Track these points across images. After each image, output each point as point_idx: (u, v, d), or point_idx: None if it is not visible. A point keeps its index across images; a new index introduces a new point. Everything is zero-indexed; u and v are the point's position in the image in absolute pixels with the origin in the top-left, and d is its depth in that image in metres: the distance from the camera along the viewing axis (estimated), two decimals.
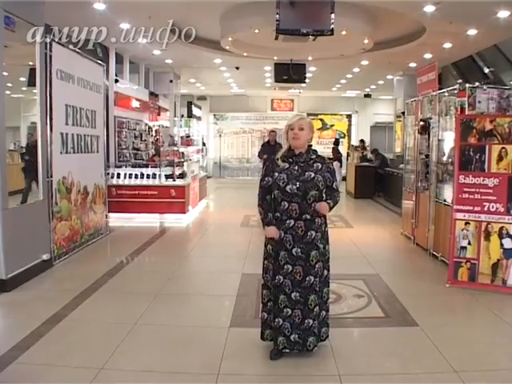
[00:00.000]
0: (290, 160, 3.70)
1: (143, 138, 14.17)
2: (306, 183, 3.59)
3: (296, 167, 3.67)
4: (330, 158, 12.67)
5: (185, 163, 10.69)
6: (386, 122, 20.31)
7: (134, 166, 10.81)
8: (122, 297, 5.28)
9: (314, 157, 3.72)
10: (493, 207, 5.49)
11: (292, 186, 3.59)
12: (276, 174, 3.67)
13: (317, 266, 3.67)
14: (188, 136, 15.83)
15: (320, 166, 3.69)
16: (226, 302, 5.12)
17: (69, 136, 6.91)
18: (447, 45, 11.03)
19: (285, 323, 3.67)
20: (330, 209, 3.69)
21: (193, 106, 19.20)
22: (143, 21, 8.89)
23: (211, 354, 3.81)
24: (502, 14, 8.35)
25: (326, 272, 3.80)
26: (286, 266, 3.65)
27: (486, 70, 13.19)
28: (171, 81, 15.43)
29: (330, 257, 3.84)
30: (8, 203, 5.36)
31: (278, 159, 3.74)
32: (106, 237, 8.33)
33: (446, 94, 6.88)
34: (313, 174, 3.63)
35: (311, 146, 3.81)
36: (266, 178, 3.75)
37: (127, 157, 12.75)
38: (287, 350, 3.71)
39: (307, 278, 3.64)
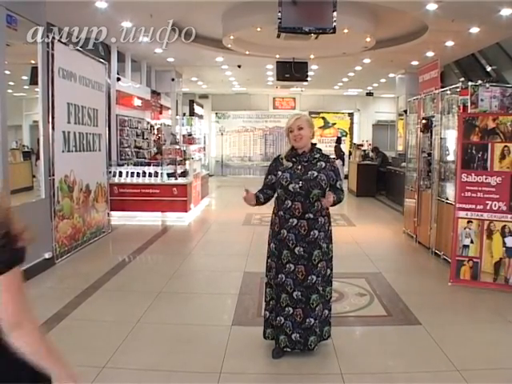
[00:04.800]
0: (294, 159, 3.70)
1: (145, 137, 14.16)
2: (308, 182, 3.59)
3: (299, 166, 3.66)
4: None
5: (187, 161, 10.69)
6: (388, 120, 20.27)
7: (135, 165, 10.81)
8: (124, 295, 5.28)
9: (317, 156, 3.72)
10: (495, 206, 5.47)
11: (295, 185, 3.59)
12: (279, 172, 3.68)
13: (319, 265, 3.67)
14: (190, 134, 15.82)
15: (324, 165, 3.68)
16: (228, 301, 5.12)
17: (71, 134, 6.92)
18: (449, 43, 11.00)
19: (286, 322, 3.67)
20: (333, 204, 3.67)
21: (195, 104, 19.19)
22: (145, 19, 8.88)
23: (213, 353, 3.81)
24: (505, 12, 8.32)
25: (328, 271, 3.79)
26: (288, 265, 3.65)
27: (489, 68, 13.16)
28: (173, 79, 15.41)
29: (332, 256, 3.84)
30: (10, 202, 5.36)
31: (282, 158, 3.75)
32: (108, 235, 8.34)
33: (449, 92, 6.86)
34: (316, 173, 3.62)
35: (315, 144, 3.80)
36: (269, 177, 3.77)
37: (129, 155, 12.75)
38: (289, 350, 3.71)
39: (309, 278, 3.64)
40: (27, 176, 13.22)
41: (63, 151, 6.70)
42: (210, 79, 17.92)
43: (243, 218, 10.13)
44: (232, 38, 10.34)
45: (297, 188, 3.59)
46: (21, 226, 1.49)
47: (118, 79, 11.97)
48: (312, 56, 12.28)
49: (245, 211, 10.71)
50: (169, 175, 10.07)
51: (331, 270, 3.84)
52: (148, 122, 14.58)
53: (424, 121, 7.63)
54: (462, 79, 12.79)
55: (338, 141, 17.92)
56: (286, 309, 3.67)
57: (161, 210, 9.89)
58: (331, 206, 3.67)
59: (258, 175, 20.74)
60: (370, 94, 20.68)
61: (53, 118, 6.35)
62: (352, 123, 23.00)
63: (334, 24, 8.28)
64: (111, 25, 8.99)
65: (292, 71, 12.63)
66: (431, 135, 7.36)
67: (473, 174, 5.60)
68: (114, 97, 11.72)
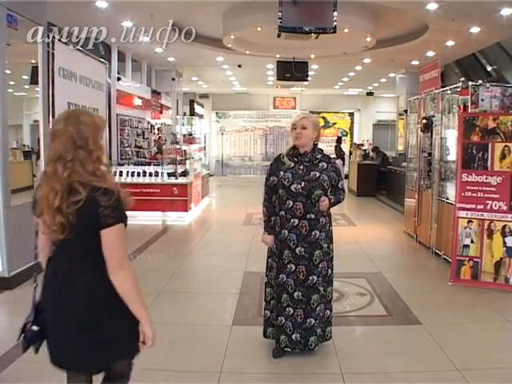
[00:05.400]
0: (295, 159, 3.70)
1: (145, 136, 14.15)
2: (310, 183, 3.59)
3: (301, 166, 3.66)
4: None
5: (187, 161, 10.69)
6: (389, 120, 20.27)
7: (136, 164, 10.81)
8: None
9: (319, 156, 3.71)
10: (496, 205, 5.48)
11: (297, 186, 3.59)
12: (281, 172, 3.67)
13: (320, 265, 3.67)
14: (190, 134, 15.82)
15: (325, 166, 3.68)
16: (229, 300, 5.13)
17: None
18: (450, 43, 10.99)
19: (287, 322, 3.67)
20: (332, 205, 3.68)
21: (195, 104, 19.19)
22: (145, 19, 8.88)
23: (214, 352, 3.82)
24: (505, 11, 8.31)
25: (329, 271, 3.80)
26: (289, 265, 3.65)
27: (489, 68, 13.15)
28: (173, 79, 15.41)
29: (333, 256, 3.84)
30: (11, 201, 5.37)
31: (283, 158, 3.74)
32: None
33: (449, 91, 6.86)
34: (318, 174, 3.62)
35: (317, 144, 3.79)
36: (271, 178, 3.75)
37: (129, 155, 12.74)
38: (289, 350, 3.71)
39: (310, 278, 3.64)
40: (28, 175, 13.23)
41: None
42: (211, 79, 17.91)
43: (243, 218, 10.13)
44: (232, 37, 10.33)
45: (299, 188, 3.59)
46: (126, 194, 2.21)
47: (119, 79, 11.96)
48: (312, 56, 12.27)
49: (245, 211, 10.72)
50: (169, 175, 10.06)
51: (332, 270, 3.84)
52: (148, 122, 14.58)
53: (424, 120, 7.63)
54: (463, 79, 12.78)
55: (339, 140, 17.89)
56: (287, 309, 3.67)
57: (161, 209, 9.89)
58: (331, 206, 3.68)
59: (258, 175, 20.74)
60: (370, 93, 20.67)
61: (53, 117, 6.33)
62: (352, 123, 22.98)
63: (335, 24, 8.28)
64: (111, 24, 8.99)
65: (292, 71, 12.62)
66: (431, 135, 7.36)
67: (473, 174, 5.61)
68: (115, 96, 11.71)
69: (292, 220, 3.63)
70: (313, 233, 3.63)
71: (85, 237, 2.07)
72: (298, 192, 3.59)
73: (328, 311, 3.83)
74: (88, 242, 2.07)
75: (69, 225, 2.03)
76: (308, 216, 3.61)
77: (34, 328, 2.22)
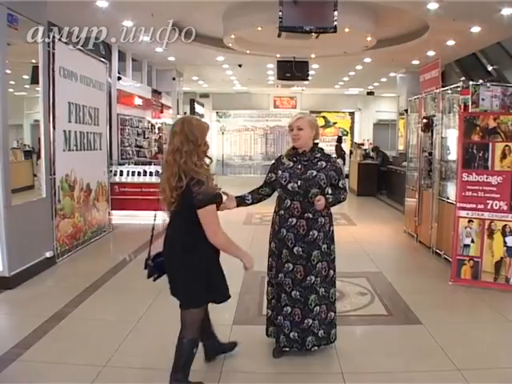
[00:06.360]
0: (294, 159, 3.70)
1: (146, 136, 14.14)
2: (307, 181, 3.58)
3: (299, 166, 3.66)
4: None
5: None
6: (389, 119, 20.27)
7: (136, 164, 10.80)
8: (125, 294, 5.28)
9: (318, 155, 3.70)
10: (496, 205, 5.47)
11: (293, 184, 3.59)
12: (280, 172, 3.69)
13: (318, 265, 3.65)
14: None
15: (324, 165, 3.67)
16: (229, 300, 5.11)
17: (72, 133, 6.92)
18: (450, 42, 10.99)
19: (285, 321, 3.68)
20: (331, 205, 3.67)
21: (195, 103, 19.18)
22: (145, 19, 8.88)
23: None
24: (506, 11, 8.31)
25: (331, 272, 3.77)
26: (287, 265, 3.65)
27: (490, 68, 13.15)
28: (174, 78, 15.42)
29: (335, 257, 3.83)
30: (11, 201, 5.37)
31: (283, 158, 3.76)
32: (109, 234, 8.34)
33: (450, 91, 6.86)
34: (315, 172, 3.61)
35: (317, 144, 3.79)
36: (270, 174, 3.80)
37: (130, 154, 12.73)
38: (287, 349, 3.71)
39: (308, 278, 3.63)
40: (28, 175, 13.19)
41: (64, 150, 6.71)
42: (211, 78, 17.92)
43: (244, 218, 10.12)
44: (233, 37, 10.33)
45: (295, 187, 3.59)
46: (213, 184, 3.02)
47: (119, 78, 11.95)
48: (313, 55, 12.27)
49: (245, 210, 10.67)
50: None
51: (334, 270, 3.81)
52: (149, 121, 14.56)
53: (425, 120, 7.63)
54: (463, 78, 12.73)
55: (339, 140, 17.88)
56: (285, 308, 3.67)
57: (162, 209, 9.86)
58: (330, 206, 3.67)
59: (258, 174, 20.73)
60: (370, 93, 20.66)
61: (54, 117, 6.35)
62: (353, 122, 22.99)
63: (335, 23, 8.28)
64: (112, 24, 8.99)
65: (293, 70, 12.62)
66: (432, 134, 7.36)
67: (474, 174, 5.60)
68: (115, 96, 11.70)
69: (290, 219, 3.63)
70: (311, 232, 3.62)
71: (187, 210, 2.93)
72: (294, 191, 3.59)
73: (332, 313, 3.80)
74: (189, 214, 2.94)
75: (178, 200, 2.94)
76: (306, 215, 3.61)
77: (150, 263, 3.39)
